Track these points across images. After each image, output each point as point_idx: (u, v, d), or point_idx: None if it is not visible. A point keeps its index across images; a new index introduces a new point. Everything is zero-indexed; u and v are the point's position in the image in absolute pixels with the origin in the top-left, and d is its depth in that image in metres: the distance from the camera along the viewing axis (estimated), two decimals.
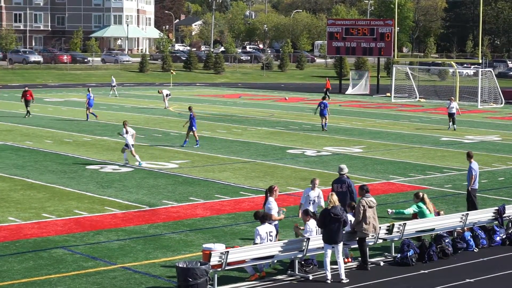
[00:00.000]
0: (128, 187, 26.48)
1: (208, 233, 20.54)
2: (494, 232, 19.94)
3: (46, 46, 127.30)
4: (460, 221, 19.59)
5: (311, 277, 16.77)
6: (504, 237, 19.98)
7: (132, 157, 30.97)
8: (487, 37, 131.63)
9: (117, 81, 72.58)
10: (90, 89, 50.15)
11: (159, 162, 31.72)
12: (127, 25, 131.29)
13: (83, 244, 19.25)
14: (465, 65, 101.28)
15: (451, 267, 17.85)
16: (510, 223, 20.67)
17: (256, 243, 16.62)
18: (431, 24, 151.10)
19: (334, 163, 31.21)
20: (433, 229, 19.20)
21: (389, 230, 18.33)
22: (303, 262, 17.11)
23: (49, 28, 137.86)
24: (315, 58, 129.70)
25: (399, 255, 18.01)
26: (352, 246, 17.85)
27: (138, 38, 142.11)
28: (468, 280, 16.75)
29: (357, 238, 17.59)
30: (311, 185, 19.46)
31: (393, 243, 18.58)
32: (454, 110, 45.01)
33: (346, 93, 76.96)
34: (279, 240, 17.42)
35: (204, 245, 16.46)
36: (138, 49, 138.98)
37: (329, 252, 16.65)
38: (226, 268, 15.92)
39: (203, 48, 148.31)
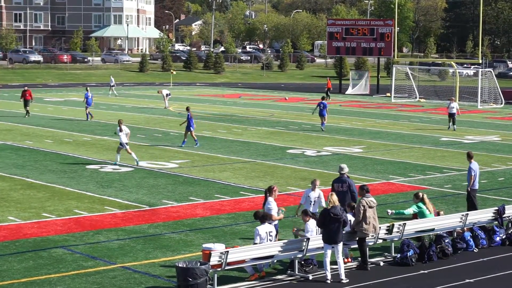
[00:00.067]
0: (128, 187, 26.49)
1: (208, 233, 20.54)
2: (494, 232, 19.94)
3: (46, 46, 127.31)
4: (460, 221, 19.59)
5: (311, 277, 16.77)
6: (504, 237, 19.99)
7: (129, 156, 30.93)
8: (487, 37, 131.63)
9: (117, 81, 72.63)
10: (88, 88, 50.15)
11: (159, 162, 31.73)
12: (127, 25, 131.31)
13: (83, 243, 19.25)
14: (465, 65, 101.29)
15: (451, 267, 17.85)
16: (510, 224, 20.67)
17: (256, 243, 16.62)
18: (431, 24, 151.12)
19: (334, 163, 31.22)
20: (433, 229, 19.20)
21: (389, 230, 18.33)
22: (303, 262, 17.11)
23: (49, 28, 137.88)
24: (315, 58, 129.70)
25: (399, 255, 18.01)
26: (352, 246, 17.86)
27: (138, 38, 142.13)
28: (468, 280, 16.75)
29: (357, 238, 17.59)
30: (311, 186, 19.44)
31: (393, 243, 18.58)
32: (454, 110, 45.00)
33: (346, 93, 76.96)
34: (279, 240, 17.42)
35: (204, 245, 16.46)
36: (138, 49, 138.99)
37: (329, 252, 16.66)
38: (226, 268, 15.92)
39: (203, 48, 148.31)
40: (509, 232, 20.18)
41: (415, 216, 19.74)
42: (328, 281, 16.46)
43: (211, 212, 23.01)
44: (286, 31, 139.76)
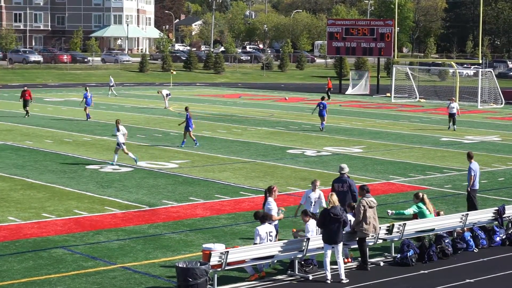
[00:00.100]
0: (128, 187, 26.48)
1: (208, 233, 20.54)
2: (494, 232, 19.94)
3: (46, 46, 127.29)
4: (460, 222, 19.59)
5: (311, 277, 16.77)
6: (504, 237, 19.98)
7: (128, 156, 30.93)
8: (487, 37, 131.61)
9: (117, 81, 72.64)
10: (87, 88, 50.16)
11: (159, 162, 31.72)
12: (127, 25, 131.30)
13: (83, 244, 19.25)
14: (465, 66, 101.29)
15: (451, 267, 17.85)
16: (510, 224, 20.68)
17: (256, 243, 16.61)
18: (431, 24, 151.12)
19: (334, 163, 31.22)
20: (433, 229, 19.20)
21: (389, 230, 18.33)
22: (303, 262, 17.11)
23: (49, 28, 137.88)
24: (315, 58, 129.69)
25: (399, 255, 18.01)
26: (352, 246, 17.86)
27: (138, 38, 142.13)
28: (468, 280, 16.75)
29: (357, 238, 17.59)
30: (311, 187, 19.43)
31: (393, 243, 18.58)
32: (454, 110, 45.00)
33: (346, 93, 76.95)
34: (279, 240, 17.41)
35: (204, 245, 16.46)
36: (138, 49, 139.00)
37: (329, 252, 16.65)
38: (226, 268, 15.92)
39: (203, 48, 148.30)
40: (509, 232, 20.18)
41: (415, 216, 19.74)
42: (328, 281, 16.46)
43: (211, 212, 23.01)
44: (286, 31, 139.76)
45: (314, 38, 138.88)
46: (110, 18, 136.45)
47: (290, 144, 37.78)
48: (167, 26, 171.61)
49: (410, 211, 19.73)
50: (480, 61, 75.25)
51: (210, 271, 15.56)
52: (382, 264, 17.95)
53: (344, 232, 16.99)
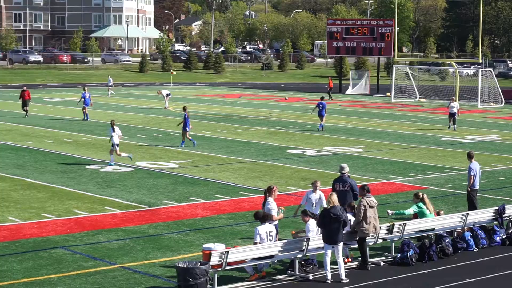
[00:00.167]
0: (128, 187, 26.48)
1: (208, 233, 20.53)
2: (494, 232, 19.94)
3: (46, 46, 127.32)
4: (460, 221, 19.59)
5: (311, 277, 16.76)
6: (504, 237, 19.98)
7: (120, 157, 30.95)
8: (487, 37, 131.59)
9: (117, 81, 72.66)
10: (86, 88, 50.19)
11: (159, 162, 31.72)
12: (127, 25, 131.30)
13: (83, 244, 19.25)
14: (465, 65, 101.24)
15: (451, 267, 17.84)
16: (510, 223, 20.68)
17: (256, 243, 16.61)
18: (431, 24, 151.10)
19: (334, 163, 31.22)
20: (433, 229, 19.20)
21: (389, 230, 18.33)
22: (303, 262, 17.10)
23: (49, 28, 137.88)
24: (315, 58, 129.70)
25: (399, 255, 18.01)
26: (352, 246, 17.85)
27: (138, 38, 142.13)
28: (468, 280, 16.75)
29: (357, 238, 17.58)
30: (312, 188, 19.39)
31: (393, 243, 18.57)
32: (454, 110, 45.01)
33: (346, 93, 76.95)
34: (279, 239, 17.41)
35: (204, 245, 16.46)
36: (138, 49, 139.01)
37: (329, 252, 16.65)
38: (226, 268, 15.92)
39: (203, 48, 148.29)
40: (509, 232, 20.18)
41: (415, 216, 19.74)
42: (328, 281, 16.46)
43: (211, 212, 23.01)
44: (286, 31, 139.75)
45: (314, 38, 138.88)
46: (110, 18, 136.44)
47: (290, 144, 37.78)
48: (167, 26, 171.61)
49: (410, 211, 19.73)
50: (480, 61, 75.28)
51: (210, 271, 15.56)
52: (382, 264, 17.95)
53: (344, 232, 16.98)
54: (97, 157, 32.82)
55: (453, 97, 51.21)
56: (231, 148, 36.09)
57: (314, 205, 18.97)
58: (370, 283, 16.48)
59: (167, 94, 56.68)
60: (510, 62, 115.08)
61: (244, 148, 36.20)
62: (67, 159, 32.36)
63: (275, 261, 17.07)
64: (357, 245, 17.65)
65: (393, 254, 18.37)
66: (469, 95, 66.84)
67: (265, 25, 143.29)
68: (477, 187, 22.26)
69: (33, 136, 39.42)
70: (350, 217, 17.71)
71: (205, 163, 31.76)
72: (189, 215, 22.57)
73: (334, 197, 17.00)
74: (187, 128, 35.91)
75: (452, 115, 45.09)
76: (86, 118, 47.28)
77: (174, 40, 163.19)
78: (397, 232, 18.40)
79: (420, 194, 19.88)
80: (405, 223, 18.55)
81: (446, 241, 18.69)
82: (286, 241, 17.10)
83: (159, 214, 22.67)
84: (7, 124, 44.86)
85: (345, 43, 76.07)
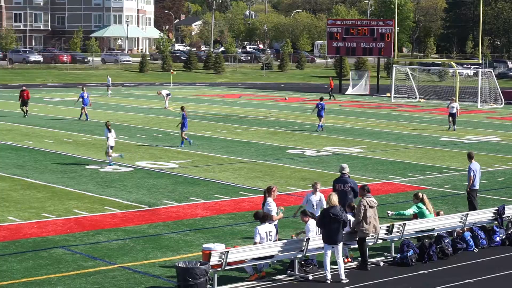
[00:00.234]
0: (128, 187, 26.49)
1: (208, 233, 20.54)
2: (493, 232, 19.95)
3: (46, 46, 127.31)
4: (460, 222, 19.59)
5: (311, 277, 16.77)
6: (503, 237, 19.99)
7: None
8: (487, 37, 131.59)
9: (118, 81, 72.64)
10: (84, 88, 50.20)
11: (159, 162, 31.73)
12: (127, 25, 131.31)
13: (83, 244, 19.26)
14: (465, 66, 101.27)
15: (451, 267, 17.85)
16: (509, 224, 20.69)
17: (256, 242, 16.62)
18: (431, 25, 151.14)
19: (334, 163, 31.23)
20: (433, 229, 19.20)
21: (389, 231, 18.33)
22: (303, 262, 17.11)
23: (49, 28, 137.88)
24: (315, 58, 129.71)
25: (398, 255, 18.01)
26: (352, 246, 17.86)
27: (138, 38, 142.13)
28: (467, 280, 16.76)
29: (357, 238, 17.59)
30: (312, 189, 19.37)
31: (393, 243, 18.58)
32: (454, 110, 45.02)
33: (346, 93, 76.95)
34: (279, 239, 17.41)
35: (204, 245, 16.47)
36: (138, 49, 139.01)
37: (329, 252, 16.66)
38: (226, 268, 15.92)
39: (203, 48, 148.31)
40: (509, 232, 20.18)
41: (415, 216, 19.75)
42: (328, 281, 16.46)
43: (211, 212, 23.02)
44: (286, 31, 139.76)
45: (314, 38, 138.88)
46: (110, 18, 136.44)
47: (290, 144, 37.78)
48: (167, 26, 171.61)
49: (410, 211, 19.73)
50: (480, 61, 75.26)
51: (210, 271, 15.56)
52: (382, 264, 17.95)
53: (344, 232, 16.99)
54: (97, 157, 32.82)
55: (453, 98, 51.21)
56: (231, 148, 36.09)
57: (315, 207, 18.93)
58: (370, 283, 16.49)
59: (167, 94, 56.69)
60: (510, 62, 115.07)
61: (244, 148, 36.20)
62: (67, 159, 32.36)
63: (275, 261, 17.08)
64: (357, 245, 17.65)
65: (393, 254, 18.38)
66: (469, 95, 66.84)
67: (265, 25, 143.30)
68: (477, 187, 22.26)
69: (33, 136, 39.43)
70: (350, 217, 17.72)
71: (205, 163, 31.76)
72: (189, 215, 22.58)
73: (334, 197, 16.99)
74: (184, 128, 35.92)
75: (452, 115, 45.09)
76: (86, 118, 47.24)
77: (174, 40, 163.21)
78: (397, 232, 18.41)
79: (420, 194, 19.88)
80: (405, 223, 18.55)
81: (446, 241, 18.69)
82: (286, 241, 17.11)
83: (159, 214, 22.68)
84: (7, 124, 44.87)
85: (345, 43, 76.08)
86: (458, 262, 18.24)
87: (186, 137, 36.16)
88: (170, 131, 41.95)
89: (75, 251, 18.54)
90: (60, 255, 18.17)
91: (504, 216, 20.46)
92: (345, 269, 16.81)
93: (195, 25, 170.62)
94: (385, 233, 18.31)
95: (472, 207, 21.80)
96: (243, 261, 16.25)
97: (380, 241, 18.30)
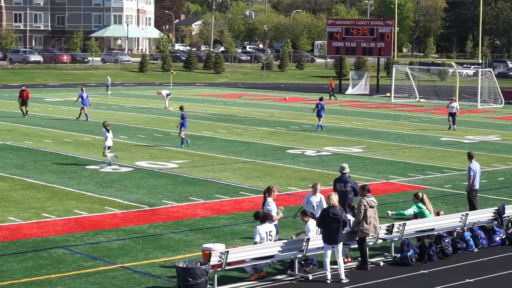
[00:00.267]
0: (128, 187, 26.49)
1: (208, 233, 20.54)
2: (493, 232, 19.95)
3: (46, 46, 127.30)
4: (460, 221, 19.60)
5: (311, 277, 16.77)
6: (503, 237, 19.99)
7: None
8: (487, 37, 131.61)
9: (117, 81, 72.62)
10: (83, 88, 50.20)
11: (159, 162, 31.73)
12: (127, 25, 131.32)
13: (83, 244, 19.26)
14: (465, 65, 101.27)
15: (451, 267, 17.85)
16: (509, 223, 20.69)
17: (256, 242, 16.62)
18: (431, 24, 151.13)
19: (334, 163, 31.23)
20: (433, 229, 19.21)
21: (389, 230, 18.34)
22: (303, 262, 17.11)
23: (49, 28, 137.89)
24: (315, 58, 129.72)
25: (399, 255, 18.01)
26: (352, 246, 17.86)
27: (138, 38, 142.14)
28: (468, 280, 16.76)
29: (357, 238, 17.59)
30: (312, 190, 19.36)
31: (393, 243, 18.58)
32: (454, 110, 45.03)
33: (346, 93, 76.94)
34: (279, 239, 17.41)
35: (204, 245, 16.47)
36: (138, 49, 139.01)
37: (329, 252, 16.66)
38: (226, 268, 15.93)
39: (203, 48, 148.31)
40: (509, 232, 20.19)
41: (415, 216, 19.75)
42: (328, 281, 16.47)
43: (211, 212, 23.02)
44: (286, 31, 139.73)
45: (314, 38, 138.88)
46: (110, 18, 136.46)
47: (290, 144, 37.78)
48: (167, 26, 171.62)
49: (410, 211, 19.73)
50: (480, 61, 75.26)
51: (210, 271, 15.56)
52: (382, 264, 17.96)
53: (344, 232, 16.99)
54: (97, 157, 32.81)
55: (453, 97, 51.21)
56: (231, 148, 36.10)
57: (315, 208, 18.90)
58: (370, 283, 16.49)
59: (167, 94, 56.69)
60: (510, 62, 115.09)
61: (244, 148, 36.21)
62: (67, 159, 32.37)
63: (275, 261, 17.08)
64: (357, 245, 17.66)
65: (393, 254, 18.38)
66: (469, 95, 66.84)
67: (265, 25, 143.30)
68: (477, 187, 22.27)
69: (33, 136, 39.43)
70: (350, 217, 17.73)
71: (205, 163, 31.77)
72: (189, 215, 22.58)
73: (334, 197, 16.99)
74: (182, 127, 35.93)
75: (452, 115, 45.09)
76: (86, 118, 47.22)
77: (174, 40, 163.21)
78: (397, 232, 18.41)
79: (420, 194, 19.88)
80: (405, 223, 18.56)
81: (446, 241, 18.70)
82: (286, 241, 17.11)
83: (159, 214, 22.68)
84: (7, 124, 44.87)
85: (345, 43, 76.08)
86: (458, 262, 18.24)
87: (184, 137, 36.16)
88: (170, 131, 41.95)
89: (75, 251, 18.55)
90: (60, 255, 18.17)
91: (504, 216, 20.46)
92: (345, 269, 16.81)
93: (195, 25, 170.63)
94: (385, 233, 18.31)
95: (472, 207, 21.80)
96: (243, 261, 16.25)
97: (380, 241, 18.31)
